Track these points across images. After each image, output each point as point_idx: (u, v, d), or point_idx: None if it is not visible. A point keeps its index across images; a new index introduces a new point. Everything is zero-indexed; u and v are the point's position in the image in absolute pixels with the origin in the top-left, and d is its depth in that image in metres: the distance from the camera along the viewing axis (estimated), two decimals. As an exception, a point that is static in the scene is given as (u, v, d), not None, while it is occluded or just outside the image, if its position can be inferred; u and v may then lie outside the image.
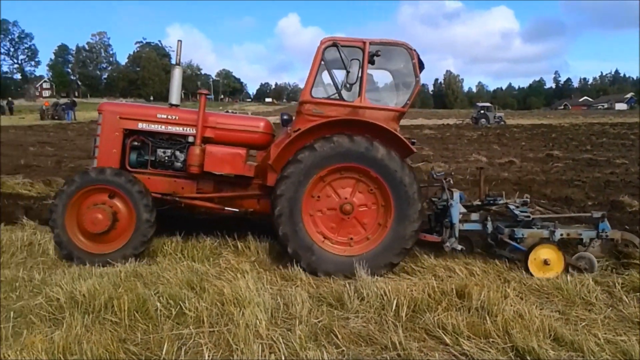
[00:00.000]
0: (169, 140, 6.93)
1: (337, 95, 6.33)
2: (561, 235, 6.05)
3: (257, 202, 6.65)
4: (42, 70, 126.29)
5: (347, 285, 5.06)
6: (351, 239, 6.07)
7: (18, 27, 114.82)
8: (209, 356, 3.70)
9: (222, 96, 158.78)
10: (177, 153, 6.84)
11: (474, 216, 6.60)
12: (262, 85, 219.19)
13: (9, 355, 3.56)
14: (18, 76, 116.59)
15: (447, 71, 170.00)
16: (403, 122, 7.92)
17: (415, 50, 6.28)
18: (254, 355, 3.67)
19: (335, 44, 6.13)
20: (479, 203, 6.92)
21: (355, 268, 5.62)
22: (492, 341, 4.04)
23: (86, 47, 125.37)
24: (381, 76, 7.16)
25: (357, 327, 4.31)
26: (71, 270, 5.50)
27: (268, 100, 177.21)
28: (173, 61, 7.03)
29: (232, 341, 3.93)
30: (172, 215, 6.91)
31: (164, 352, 3.74)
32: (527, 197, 6.82)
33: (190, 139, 6.68)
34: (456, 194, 6.36)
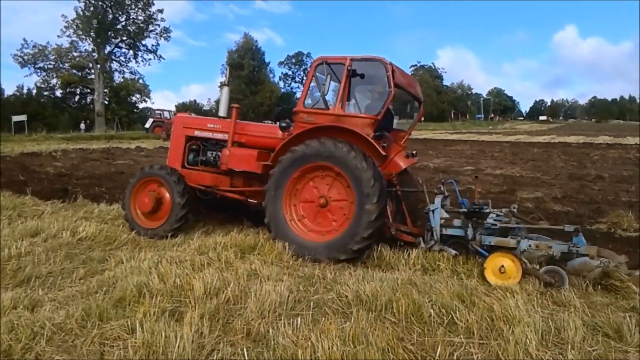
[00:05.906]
0: (215, 144, 8.63)
1: (322, 105, 7.31)
2: (529, 246, 6.12)
3: None
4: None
5: (627, 318, 4.69)
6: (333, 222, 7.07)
7: (310, 58, 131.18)
8: (479, 365, 3.91)
9: (492, 115, 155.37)
10: (219, 154, 8.36)
11: (457, 222, 6.89)
12: (536, 102, 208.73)
13: (310, 337, 4.32)
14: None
15: None
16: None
17: (391, 63, 7.04)
18: (524, 372, 3.75)
19: (324, 62, 7.17)
20: (465, 210, 7.16)
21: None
22: None
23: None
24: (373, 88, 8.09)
25: (638, 363, 4.01)
26: (356, 273, 6.22)
27: (542, 118, 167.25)
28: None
29: (501, 355, 4.05)
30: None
31: (437, 355, 4.06)
32: (514, 207, 7.03)
33: None
34: (437, 199, 6.86)
